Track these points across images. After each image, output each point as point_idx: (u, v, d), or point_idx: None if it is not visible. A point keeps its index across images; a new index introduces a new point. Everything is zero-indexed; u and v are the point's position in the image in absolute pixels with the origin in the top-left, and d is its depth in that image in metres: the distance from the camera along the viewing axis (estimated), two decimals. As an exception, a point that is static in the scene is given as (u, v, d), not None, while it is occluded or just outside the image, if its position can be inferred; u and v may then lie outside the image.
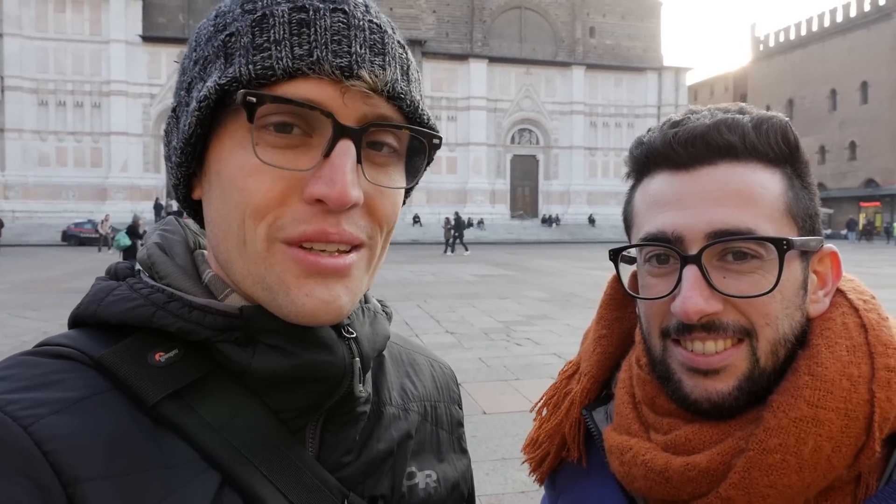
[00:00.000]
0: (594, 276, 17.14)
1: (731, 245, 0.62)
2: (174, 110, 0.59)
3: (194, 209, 0.62)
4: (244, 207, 0.53)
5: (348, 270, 0.55)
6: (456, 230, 28.22)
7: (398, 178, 0.59)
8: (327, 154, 0.52)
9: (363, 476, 0.62)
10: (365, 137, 0.54)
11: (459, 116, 44.78)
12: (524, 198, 46.76)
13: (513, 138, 46.38)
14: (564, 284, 15.69)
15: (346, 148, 0.52)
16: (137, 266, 0.62)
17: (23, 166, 37.35)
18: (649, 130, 0.70)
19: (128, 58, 38.66)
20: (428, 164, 0.61)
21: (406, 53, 0.59)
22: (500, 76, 45.73)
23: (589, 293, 13.54)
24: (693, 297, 0.61)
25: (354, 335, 0.61)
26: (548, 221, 43.97)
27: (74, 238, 31.63)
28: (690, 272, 0.62)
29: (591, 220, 44.30)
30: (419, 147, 0.59)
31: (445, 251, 28.22)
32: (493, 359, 7.39)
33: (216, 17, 0.56)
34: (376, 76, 0.53)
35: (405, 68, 0.57)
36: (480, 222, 41.79)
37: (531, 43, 47.70)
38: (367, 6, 0.56)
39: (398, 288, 14.56)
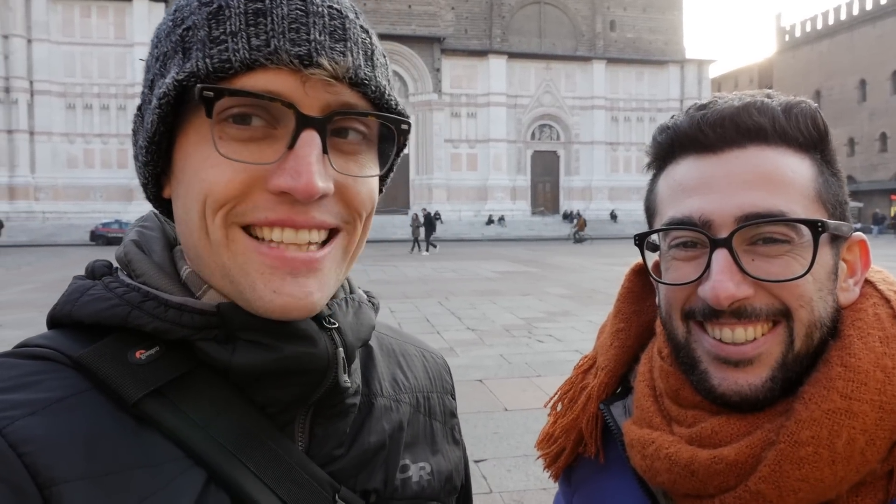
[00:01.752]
0: (616, 273, 16.95)
1: (762, 229, 0.60)
2: (140, 109, 0.58)
3: (166, 208, 0.61)
4: (204, 199, 0.52)
5: (319, 264, 0.54)
6: (426, 228, 26.86)
7: (370, 166, 0.57)
8: (291, 146, 0.51)
9: (356, 469, 0.61)
10: (329, 126, 0.53)
11: (479, 113, 44.72)
12: (545, 194, 46.56)
13: (533, 134, 46.19)
14: (586, 281, 15.61)
15: (310, 138, 0.51)
16: (115, 264, 0.61)
17: (52, 168, 38.21)
18: (673, 117, 0.69)
19: (152, 60, 39.24)
20: (399, 150, 0.60)
21: (370, 38, 0.57)
22: (519, 72, 45.56)
23: (611, 289, 13.36)
24: (724, 282, 0.59)
25: (336, 325, 0.60)
26: (569, 217, 43.65)
27: (102, 238, 32.21)
28: (720, 256, 0.60)
29: (613, 216, 43.95)
30: (388, 134, 0.58)
31: (412, 250, 26.80)
32: (514, 355, 7.37)
33: (175, 11, 0.55)
34: (336, 63, 0.52)
35: (369, 53, 0.56)
36: (501, 219, 41.72)
37: (551, 38, 47.40)
38: None
39: (419, 285, 14.57)
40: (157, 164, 0.56)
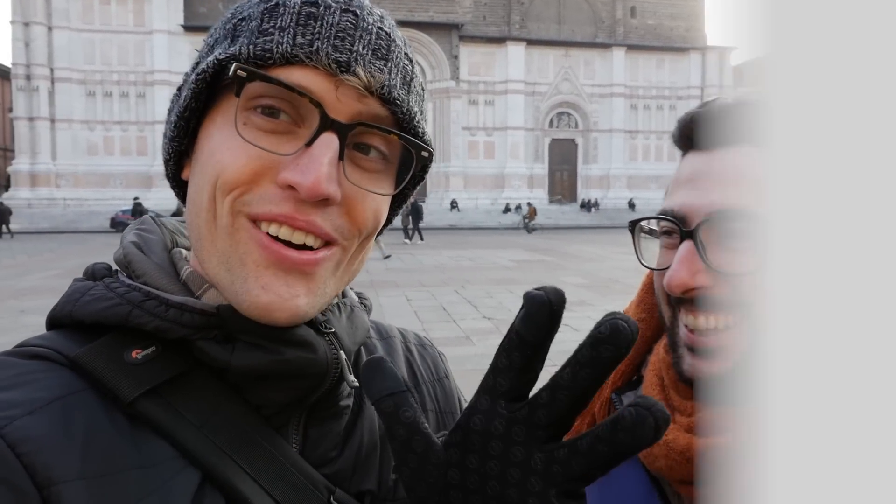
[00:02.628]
0: (634, 262, 16.38)
1: (726, 224, 0.62)
2: (179, 88, 0.59)
3: (183, 190, 0.61)
4: (215, 180, 0.53)
5: (313, 268, 0.54)
6: (413, 218, 26.32)
7: (384, 186, 0.58)
8: (309, 143, 0.52)
9: (351, 471, 0.61)
10: (352, 136, 0.54)
11: (497, 100, 44.40)
12: (563, 182, 46.20)
13: (551, 122, 45.78)
14: (603, 270, 15.46)
15: (328, 140, 0.52)
16: (115, 267, 0.61)
17: (73, 155, 38.59)
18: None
19: (170, 48, 39.43)
20: (415, 180, 0.61)
21: (412, 67, 0.59)
22: (538, 59, 45.09)
23: (629, 279, 13.28)
24: (679, 271, 0.63)
25: (333, 330, 0.61)
26: (587, 206, 43.36)
27: (122, 225, 32.55)
28: (684, 246, 0.64)
29: (631, 205, 43.46)
30: (409, 160, 0.59)
31: (407, 239, 26.49)
32: (531, 345, 7.33)
33: (237, 7, 0.58)
34: (372, 76, 0.53)
35: (407, 79, 0.57)
36: (518, 207, 41.48)
37: (570, 24, 46.82)
38: (382, 16, 0.57)
39: (436, 273, 14.55)
40: (182, 141, 0.58)
